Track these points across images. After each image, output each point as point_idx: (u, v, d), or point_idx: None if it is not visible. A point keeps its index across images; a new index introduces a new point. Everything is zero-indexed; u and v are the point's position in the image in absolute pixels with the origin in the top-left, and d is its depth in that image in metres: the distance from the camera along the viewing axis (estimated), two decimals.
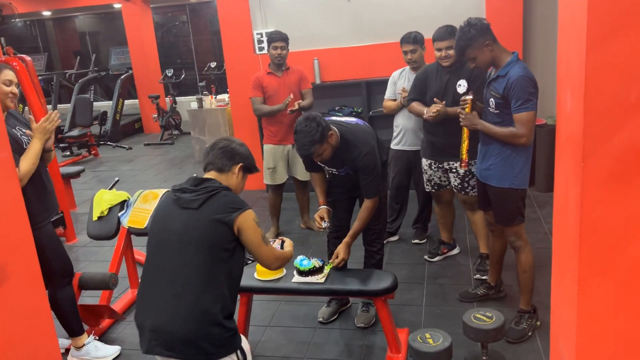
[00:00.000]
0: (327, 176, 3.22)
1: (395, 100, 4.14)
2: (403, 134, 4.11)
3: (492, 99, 2.87)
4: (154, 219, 2.22)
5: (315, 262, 2.81)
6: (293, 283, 2.80)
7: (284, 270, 2.91)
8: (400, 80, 4.11)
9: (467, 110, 3.00)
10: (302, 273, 2.80)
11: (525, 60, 5.46)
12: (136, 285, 3.87)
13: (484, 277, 3.56)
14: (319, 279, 2.78)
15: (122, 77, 10.38)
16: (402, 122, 4.10)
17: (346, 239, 3.02)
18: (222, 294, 2.03)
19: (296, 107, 4.27)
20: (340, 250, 2.96)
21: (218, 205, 2.05)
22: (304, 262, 2.82)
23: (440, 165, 3.64)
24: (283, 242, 2.51)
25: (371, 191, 2.98)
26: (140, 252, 4.40)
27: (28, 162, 2.69)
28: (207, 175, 2.19)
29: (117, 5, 11.55)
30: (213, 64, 10.20)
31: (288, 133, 4.33)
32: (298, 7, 5.65)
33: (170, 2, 11.69)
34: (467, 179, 3.51)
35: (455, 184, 3.59)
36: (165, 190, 3.78)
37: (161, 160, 8.31)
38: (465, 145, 3.10)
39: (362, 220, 3.03)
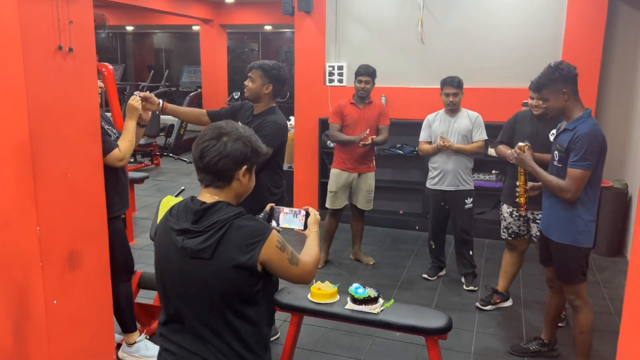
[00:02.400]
0: None
1: (429, 142, 4.26)
2: (442, 175, 4.19)
3: (556, 152, 2.84)
4: (158, 262, 1.79)
5: (371, 292, 2.81)
6: (346, 309, 2.81)
7: (338, 296, 2.93)
8: (435, 123, 4.24)
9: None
10: (356, 301, 2.81)
11: (597, 120, 5.39)
12: None
13: (484, 308, 3.82)
14: (372, 309, 2.78)
15: (191, 94, 10.82)
16: (441, 164, 4.19)
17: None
18: (254, 336, 1.74)
19: (369, 141, 4.34)
20: None
21: (234, 246, 1.65)
22: (359, 290, 2.83)
23: (523, 215, 3.60)
24: (307, 215, 2.03)
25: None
26: None
27: (125, 140, 2.92)
28: (206, 194, 1.73)
29: (195, 27, 12.14)
30: None
31: (357, 162, 4.52)
32: (372, 44, 5.81)
33: (245, 29, 12.17)
34: None
35: (538, 234, 3.52)
36: None
37: None
38: (521, 190, 3.03)
39: None
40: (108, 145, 2.80)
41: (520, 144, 3.00)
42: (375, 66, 5.73)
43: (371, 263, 4.79)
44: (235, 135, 1.71)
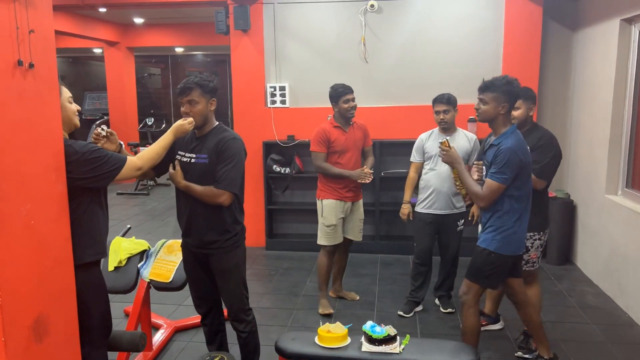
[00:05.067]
0: (172, 169, 2.78)
1: (422, 163, 4.02)
2: (435, 197, 3.92)
3: (484, 168, 2.94)
4: None
5: (389, 330, 2.54)
6: (364, 352, 2.51)
7: (349, 338, 2.62)
8: (428, 142, 3.98)
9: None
10: (374, 341, 2.52)
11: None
12: (150, 348, 3.43)
13: (527, 356, 3.38)
14: (393, 348, 2.50)
15: (97, 122, 9.96)
16: (435, 184, 3.91)
17: (187, 185, 2.75)
18: None
19: (370, 179, 3.95)
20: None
21: None
22: (375, 328, 2.55)
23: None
24: None
25: (226, 179, 2.70)
26: (158, 316, 3.94)
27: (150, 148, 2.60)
28: None
29: (97, 50, 11.28)
30: None
31: (352, 191, 4.07)
32: (314, 64, 5.60)
33: (154, 52, 11.51)
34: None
35: None
36: None
37: (139, 211, 7.83)
38: (459, 183, 3.02)
39: (199, 189, 2.73)
40: (117, 158, 2.34)
41: (442, 140, 3.08)
42: (319, 86, 5.56)
43: (357, 298, 4.37)
44: None
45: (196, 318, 3.86)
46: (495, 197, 2.78)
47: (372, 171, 3.99)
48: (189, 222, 2.86)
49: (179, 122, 2.71)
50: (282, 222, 6.01)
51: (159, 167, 2.82)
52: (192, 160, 2.79)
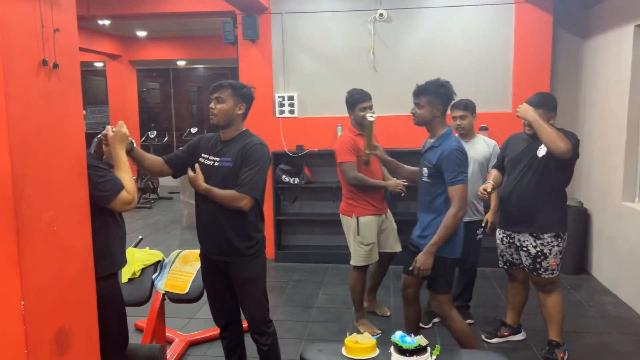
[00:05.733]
0: (192, 173, 2.68)
1: None
2: None
3: (425, 169, 2.96)
4: None
5: (420, 340, 2.45)
6: None
7: (377, 349, 2.53)
8: None
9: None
10: (404, 352, 2.41)
11: None
12: None
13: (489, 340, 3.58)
14: (424, 359, 2.41)
15: (99, 135, 9.89)
16: None
17: (207, 188, 2.66)
18: None
19: (405, 191, 3.76)
20: None
21: None
22: (405, 339, 2.45)
23: (512, 241, 3.43)
24: None
25: (248, 183, 2.61)
26: (170, 329, 3.81)
27: (127, 175, 2.37)
28: None
29: (98, 64, 11.26)
30: (194, 130, 9.96)
31: (382, 201, 3.91)
32: (322, 73, 5.56)
33: (155, 66, 11.49)
34: (539, 260, 3.28)
35: (527, 263, 3.35)
36: None
37: (143, 225, 7.73)
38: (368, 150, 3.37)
39: (219, 192, 2.64)
40: (114, 184, 2.25)
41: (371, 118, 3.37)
42: (327, 95, 5.54)
43: (388, 314, 4.19)
44: None
45: (210, 331, 3.77)
46: (465, 196, 2.82)
47: (405, 182, 3.75)
48: (209, 228, 2.77)
49: (109, 132, 2.52)
50: (291, 234, 5.91)
51: (178, 169, 2.76)
52: (216, 163, 2.72)
